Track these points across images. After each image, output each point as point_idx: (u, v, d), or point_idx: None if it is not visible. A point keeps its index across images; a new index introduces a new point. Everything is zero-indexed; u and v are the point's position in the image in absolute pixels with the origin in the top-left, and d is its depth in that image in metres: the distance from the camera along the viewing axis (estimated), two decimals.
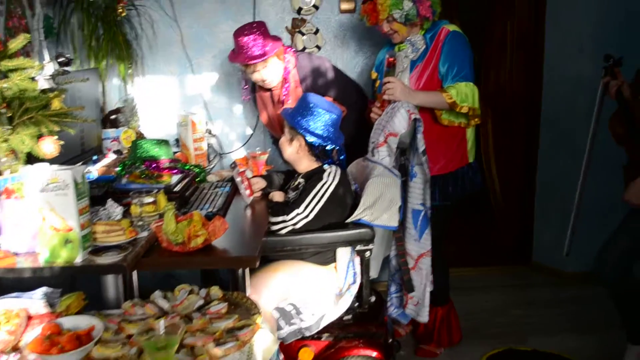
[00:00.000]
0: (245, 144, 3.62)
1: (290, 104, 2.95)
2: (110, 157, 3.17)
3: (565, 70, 3.64)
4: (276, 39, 2.95)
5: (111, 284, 1.88)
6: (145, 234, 2.01)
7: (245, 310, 1.77)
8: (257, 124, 3.57)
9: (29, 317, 1.68)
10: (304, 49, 3.50)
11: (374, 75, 2.99)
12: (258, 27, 2.87)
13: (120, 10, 3.15)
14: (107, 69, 3.30)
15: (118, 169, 2.67)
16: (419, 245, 2.51)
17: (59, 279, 1.85)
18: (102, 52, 3.19)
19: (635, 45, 3.24)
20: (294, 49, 3.10)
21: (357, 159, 2.69)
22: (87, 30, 3.17)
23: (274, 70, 2.93)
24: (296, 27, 3.49)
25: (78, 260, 1.78)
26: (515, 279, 3.88)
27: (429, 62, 2.71)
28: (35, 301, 1.68)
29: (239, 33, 2.87)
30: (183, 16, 3.49)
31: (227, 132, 3.65)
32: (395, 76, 2.68)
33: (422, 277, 2.52)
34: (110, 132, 3.23)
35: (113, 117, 3.32)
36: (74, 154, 2.76)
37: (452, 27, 2.72)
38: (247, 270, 2.07)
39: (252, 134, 3.62)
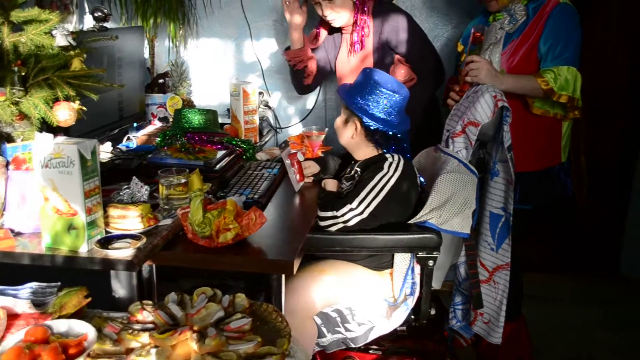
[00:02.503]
0: (303, 119, 3.29)
1: (357, 61, 2.63)
2: (156, 124, 2.92)
3: None
4: None
5: (121, 280, 1.59)
6: (169, 221, 1.71)
7: (274, 330, 1.43)
8: (318, 98, 3.22)
9: (15, 317, 1.40)
10: None
11: (460, 47, 2.55)
12: None
13: None
14: (155, 28, 3.00)
15: (158, 139, 2.40)
16: (495, 256, 2.12)
17: (61, 269, 1.57)
18: (151, 8, 2.89)
19: None
20: None
21: (428, 148, 2.30)
22: None
23: (342, 9, 2.59)
24: None
25: (82, 250, 1.51)
26: (599, 292, 3.40)
27: (527, 37, 2.27)
28: (19, 299, 1.39)
29: None
30: None
31: (285, 105, 3.33)
32: (481, 54, 2.26)
33: (498, 293, 2.14)
34: (157, 97, 2.99)
35: (161, 81, 3.05)
36: (111, 119, 2.49)
37: None
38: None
39: (312, 109, 3.27)
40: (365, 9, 2.59)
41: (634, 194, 3.42)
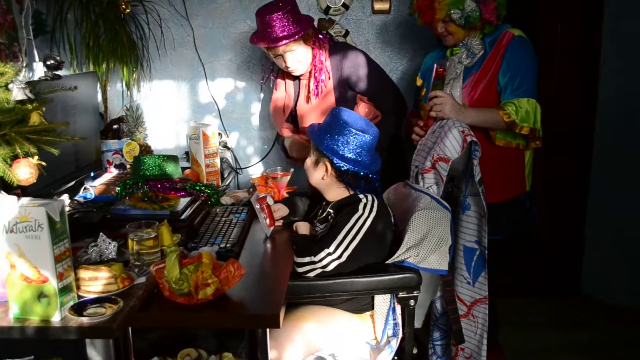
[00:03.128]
0: (263, 158, 3.25)
1: (318, 100, 2.60)
2: (112, 172, 2.82)
3: (625, 85, 3.20)
4: (307, 19, 2.54)
5: (97, 347, 1.49)
6: (143, 279, 1.62)
7: None
8: (277, 135, 3.18)
9: None
10: None
11: (419, 81, 2.57)
12: (285, 4, 2.46)
13: (124, 6, 2.77)
14: (108, 73, 2.91)
15: (118, 188, 2.31)
16: (473, 290, 2.12)
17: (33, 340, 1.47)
18: (102, 53, 2.80)
19: None
20: (328, 36, 2.70)
21: (396, 184, 2.29)
22: (85, 29, 2.79)
23: (302, 57, 2.55)
24: (323, 28, 3.09)
25: (55, 319, 1.41)
26: (561, 313, 3.44)
27: (486, 71, 2.31)
28: None
29: (263, 10, 2.49)
30: (196, 14, 3.12)
31: (243, 145, 3.27)
32: (444, 89, 2.27)
33: (477, 327, 2.12)
34: (112, 143, 2.87)
35: (115, 126, 2.95)
36: (67, 171, 2.38)
37: (516, 32, 2.32)
38: None
39: (271, 148, 3.23)
40: (322, 52, 2.58)
41: (589, 214, 3.49)
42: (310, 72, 2.61)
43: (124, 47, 2.82)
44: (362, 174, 1.99)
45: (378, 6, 3.10)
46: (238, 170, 3.21)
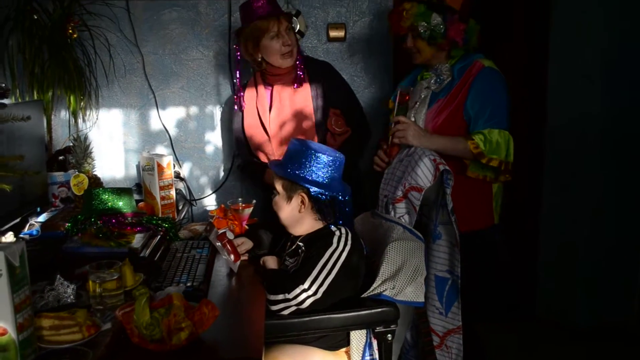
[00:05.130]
0: (218, 188, 3.14)
1: (294, 110, 2.58)
2: (59, 206, 2.65)
3: (572, 107, 3.29)
4: None
5: None
6: (108, 325, 1.49)
7: None
8: (232, 166, 3.09)
9: None
10: None
11: (391, 104, 2.51)
12: None
13: (71, 31, 2.63)
14: (53, 101, 2.75)
15: (68, 224, 2.15)
16: (445, 320, 2.08)
17: None
18: (47, 81, 2.64)
19: None
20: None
21: (363, 214, 2.24)
22: (29, 55, 2.63)
23: (293, 40, 2.56)
24: None
25: None
26: (522, 339, 3.46)
27: (453, 98, 2.28)
28: None
29: None
30: (146, 40, 3.02)
31: (197, 175, 3.16)
32: (409, 113, 2.25)
33: (451, 357, 2.08)
34: (58, 176, 2.70)
35: (61, 158, 2.79)
36: (11, 207, 2.20)
37: (487, 62, 2.29)
38: None
39: (226, 178, 3.13)
40: (300, 64, 2.60)
41: (541, 238, 3.54)
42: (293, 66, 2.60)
43: (70, 74, 2.67)
44: (340, 199, 1.93)
45: (333, 34, 3.08)
46: (193, 202, 3.08)
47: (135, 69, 3.02)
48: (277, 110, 2.61)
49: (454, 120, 2.28)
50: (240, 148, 2.79)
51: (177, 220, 2.58)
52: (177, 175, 3.03)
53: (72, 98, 2.76)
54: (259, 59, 2.57)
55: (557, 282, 3.48)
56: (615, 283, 3.30)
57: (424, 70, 2.42)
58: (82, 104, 2.83)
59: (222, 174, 3.17)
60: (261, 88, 2.64)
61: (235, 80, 2.65)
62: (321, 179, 1.92)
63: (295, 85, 2.59)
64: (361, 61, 3.13)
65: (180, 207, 2.82)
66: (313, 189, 1.90)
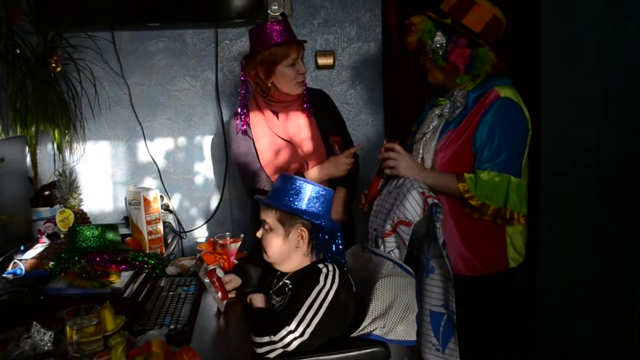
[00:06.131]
0: (208, 220, 3.09)
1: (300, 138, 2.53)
2: (45, 242, 2.58)
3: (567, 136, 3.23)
4: None
5: None
6: None
7: None
8: (222, 196, 3.04)
9: None
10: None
11: (414, 128, 2.40)
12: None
13: (54, 64, 2.59)
14: (38, 135, 2.70)
15: (52, 263, 2.10)
16: (442, 357, 2.00)
17: None
18: (31, 115, 2.60)
19: None
20: None
21: (354, 247, 2.18)
22: (12, 89, 2.59)
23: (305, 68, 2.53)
24: None
25: None
26: None
27: (462, 131, 2.10)
28: None
29: (269, 23, 2.46)
30: (132, 71, 2.99)
31: (187, 207, 3.11)
32: (418, 142, 2.18)
33: None
34: (44, 211, 2.64)
35: (47, 193, 2.73)
36: None
37: (504, 92, 2.07)
38: None
39: (216, 209, 3.08)
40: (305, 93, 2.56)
41: (540, 268, 3.46)
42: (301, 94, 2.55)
43: (54, 108, 2.62)
44: (338, 233, 1.87)
45: (322, 61, 3.05)
46: (182, 234, 3.02)
47: (121, 100, 2.99)
48: (293, 137, 2.56)
49: (462, 154, 2.10)
50: (249, 173, 2.57)
51: (165, 255, 2.52)
52: (166, 208, 2.98)
53: (56, 132, 2.71)
54: (269, 85, 2.50)
55: (557, 309, 3.41)
56: (616, 308, 3.23)
57: (439, 97, 2.26)
58: (67, 137, 2.78)
59: (212, 204, 3.12)
60: (268, 112, 2.55)
61: (237, 108, 2.53)
62: (319, 212, 1.87)
63: (303, 113, 2.54)
64: (350, 88, 3.10)
65: (169, 240, 2.77)
66: (315, 221, 1.84)
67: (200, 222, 3.11)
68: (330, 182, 2.48)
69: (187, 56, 3.00)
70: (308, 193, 1.87)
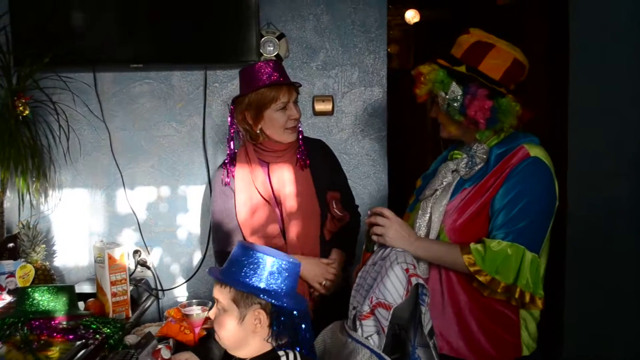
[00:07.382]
0: (191, 277, 2.83)
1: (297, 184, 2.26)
2: (5, 299, 2.36)
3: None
4: None
5: None
6: None
7: None
8: (207, 252, 2.78)
9: None
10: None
11: (419, 182, 2.12)
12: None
13: (21, 108, 2.39)
14: (4, 184, 2.51)
15: None
16: None
17: None
18: None
19: None
20: None
21: (334, 324, 1.86)
22: None
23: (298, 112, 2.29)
24: None
25: None
26: None
27: (482, 191, 1.81)
28: None
29: (264, 63, 2.25)
30: (113, 115, 2.79)
31: (167, 263, 2.86)
32: (426, 200, 1.89)
33: None
34: (7, 265, 2.44)
35: (11, 245, 2.53)
36: None
37: (535, 151, 1.80)
38: None
39: (199, 266, 2.82)
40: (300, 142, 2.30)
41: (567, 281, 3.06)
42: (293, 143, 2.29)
43: (19, 155, 2.42)
44: (301, 313, 1.58)
45: (319, 107, 2.80)
46: (160, 293, 2.76)
47: (101, 145, 2.78)
48: (277, 193, 2.28)
49: (478, 219, 1.80)
50: (221, 232, 2.31)
51: (131, 319, 2.27)
52: (143, 263, 2.74)
53: (22, 181, 2.51)
54: (257, 131, 2.25)
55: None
56: None
57: (454, 150, 1.97)
58: (35, 185, 2.57)
59: (195, 261, 2.86)
60: (255, 165, 2.28)
61: (227, 152, 2.28)
62: (281, 290, 1.58)
63: (296, 164, 2.27)
64: (351, 137, 2.83)
65: (142, 300, 2.51)
66: (275, 302, 1.55)
67: (182, 279, 2.85)
68: (327, 243, 2.26)
69: (174, 100, 2.79)
70: (268, 267, 1.58)
